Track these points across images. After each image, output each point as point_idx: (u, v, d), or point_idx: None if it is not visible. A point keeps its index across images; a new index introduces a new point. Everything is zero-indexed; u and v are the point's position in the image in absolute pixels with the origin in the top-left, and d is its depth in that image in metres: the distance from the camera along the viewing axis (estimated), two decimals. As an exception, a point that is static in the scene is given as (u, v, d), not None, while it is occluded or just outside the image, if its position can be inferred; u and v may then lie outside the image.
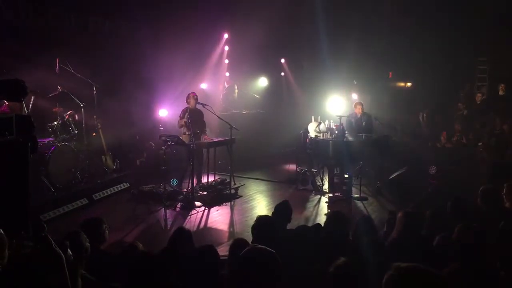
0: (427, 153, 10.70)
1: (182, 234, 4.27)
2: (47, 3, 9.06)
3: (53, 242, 2.61)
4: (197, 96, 8.86)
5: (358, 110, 9.65)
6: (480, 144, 10.29)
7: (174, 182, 8.84)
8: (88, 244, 3.69)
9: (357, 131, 9.27)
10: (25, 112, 7.02)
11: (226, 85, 13.19)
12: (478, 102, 12.07)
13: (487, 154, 9.97)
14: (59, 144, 7.92)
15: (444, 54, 12.69)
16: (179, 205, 8.10)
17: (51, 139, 7.98)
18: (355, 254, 3.42)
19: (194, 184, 8.50)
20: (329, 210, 7.97)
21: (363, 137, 8.95)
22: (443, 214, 4.67)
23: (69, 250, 3.02)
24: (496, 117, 10.96)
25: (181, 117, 8.86)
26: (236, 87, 13.30)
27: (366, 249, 3.73)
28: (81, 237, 3.63)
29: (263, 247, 2.41)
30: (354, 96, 11.90)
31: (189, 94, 8.92)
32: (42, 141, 7.73)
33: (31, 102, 7.63)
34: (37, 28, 8.77)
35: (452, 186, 8.34)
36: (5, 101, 6.54)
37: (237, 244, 3.73)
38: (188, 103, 8.85)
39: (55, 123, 8.06)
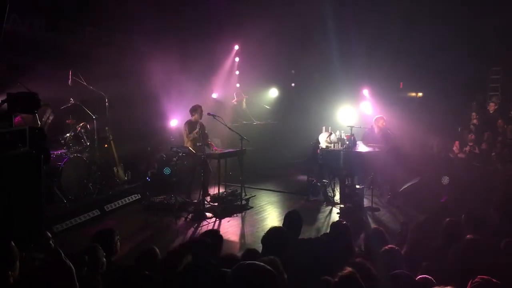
0: (439, 163, 10.59)
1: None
2: (60, 17, 9.20)
3: (62, 254, 2.62)
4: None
5: (382, 124, 9.43)
6: (493, 154, 10.17)
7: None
8: (105, 260, 3.69)
9: (374, 142, 9.16)
10: (38, 124, 7.12)
11: (236, 98, 13.22)
12: (491, 112, 11.96)
13: (500, 164, 9.84)
14: (71, 156, 7.99)
15: (456, 63, 12.59)
16: (190, 216, 8.09)
17: (63, 150, 8.05)
18: (361, 264, 3.38)
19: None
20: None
21: (377, 148, 8.89)
22: (458, 226, 4.61)
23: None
24: (508, 126, 10.83)
25: (189, 131, 8.83)
26: (244, 101, 13.32)
27: (378, 261, 3.70)
28: (98, 252, 3.63)
29: (258, 263, 2.20)
30: (363, 106, 11.75)
31: (199, 107, 8.94)
32: (55, 152, 7.81)
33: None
34: (50, 41, 8.89)
35: (465, 197, 8.24)
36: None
37: (249, 255, 3.72)
38: (198, 115, 8.87)
39: (68, 135, 8.13)
